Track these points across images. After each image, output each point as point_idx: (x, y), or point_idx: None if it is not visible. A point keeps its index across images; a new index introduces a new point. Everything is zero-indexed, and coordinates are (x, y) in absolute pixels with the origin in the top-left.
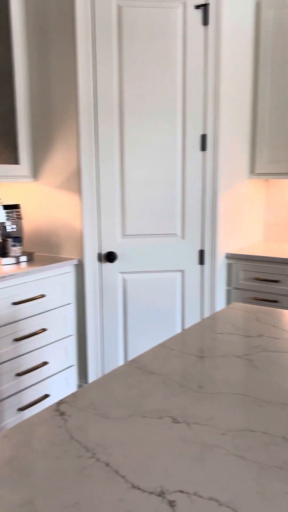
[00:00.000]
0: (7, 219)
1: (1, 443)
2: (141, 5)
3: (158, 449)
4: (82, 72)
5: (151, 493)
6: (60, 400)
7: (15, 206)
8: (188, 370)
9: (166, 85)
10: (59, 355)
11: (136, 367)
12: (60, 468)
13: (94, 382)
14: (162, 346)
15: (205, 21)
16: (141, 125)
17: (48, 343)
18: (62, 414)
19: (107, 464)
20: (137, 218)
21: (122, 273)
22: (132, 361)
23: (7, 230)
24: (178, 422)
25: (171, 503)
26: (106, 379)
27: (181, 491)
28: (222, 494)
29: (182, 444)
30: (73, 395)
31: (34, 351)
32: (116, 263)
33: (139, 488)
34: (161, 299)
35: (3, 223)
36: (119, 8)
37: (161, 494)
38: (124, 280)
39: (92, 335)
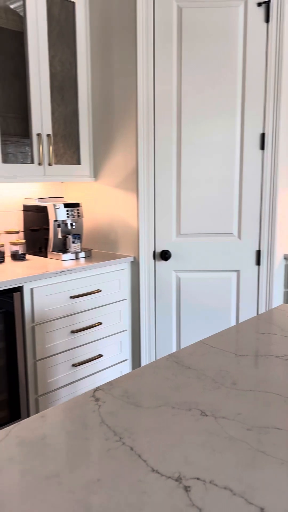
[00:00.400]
0: (68, 217)
1: (38, 422)
2: (202, 6)
3: (182, 438)
4: (141, 74)
5: (168, 477)
6: (97, 387)
7: (76, 205)
8: (224, 367)
9: (225, 84)
10: (113, 349)
11: (174, 361)
12: (88, 448)
13: (131, 372)
14: (202, 343)
15: (267, 18)
16: (198, 124)
17: (103, 336)
18: (97, 400)
19: (131, 448)
20: (193, 217)
21: (176, 271)
22: (170, 355)
23: (68, 228)
24: (206, 415)
25: (186, 488)
26: (143, 371)
27: (198, 478)
28: (237, 485)
29: (206, 436)
30: (109, 383)
31: (90, 344)
32: (170, 261)
33: (158, 472)
34: (215, 299)
35: (64, 220)
36: (179, 10)
37: (178, 479)
38: (178, 279)
39: (145, 331)
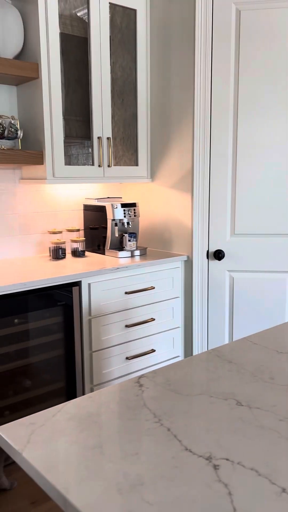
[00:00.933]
0: (125, 216)
1: (86, 401)
2: (259, 7)
3: (216, 424)
4: (199, 77)
5: (200, 456)
6: (142, 375)
7: (133, 205)
8: (264, 362)
9: (282, 85)
10: (166, 345)
11: (216, 355)
12: (129, 426)
13: (174, 363)
14: (245, 339)
15: None
16: (255, 125)
17: (156, 332)
18: (141, 385)
19: (168, 429)
20: (248, 217)
21: (230, 271)
22: (213, 349)
23: (125, 226)
24: (241, 405)
25: (215, 467)
26: (186, 362)
27: (227, 459)
28: (263, 468)
29: (239, 424)
30: (153, 371)
31: (143, 338)
32: (224, 261)
33: (190, 451)
34: (269, 300)
35: (121, 219)
36: (238, 12)
37: (208, 458)
38: (232, 278)
39: (198, 329)
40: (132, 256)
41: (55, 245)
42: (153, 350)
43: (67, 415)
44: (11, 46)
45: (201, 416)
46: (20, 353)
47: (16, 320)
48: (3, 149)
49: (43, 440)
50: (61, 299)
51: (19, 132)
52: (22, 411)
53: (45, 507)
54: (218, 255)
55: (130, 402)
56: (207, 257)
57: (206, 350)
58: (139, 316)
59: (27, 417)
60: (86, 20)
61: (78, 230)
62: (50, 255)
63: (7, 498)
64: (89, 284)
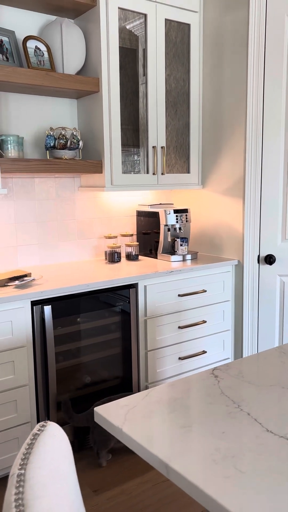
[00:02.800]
0: (177, 222)
1: (169, 388)
2: None
3: None
4: (252, 86)
5: (281, 437)
6: (215, 368)
7: (185, 211)
8: None
9: None
10: (216, 347)
11: (282, 352)
12: (212, 410)
13: (244, 358)
14: None
15: None
16: None
17: (207, 334)
18: (216, 376)
19: (248, 414)
20: None
21: (281, 275)
22: (278, 347)
23: (176, 231)
24: None
25: None
26: (255, 357)
27: None
28: None
29: None
30: (226, 365)
31: (195, 340)
32: (275, 265)
33: (271, 432)
34: None
35: (173, 225)
36: None
37: None
38: (283, 283)
39: (248, 333)
40: (184, 260)
41: (111, 249)
42: (204, 352)
43: (154, 398)
44: (74, 62)
45: (276, 404)
46: (81, 350)
47: (78, 319)
48: (65, 159)
49: (137, 419)
50: (119, 300)
51: (80, 142)
52: (82, 405)
53: (107, 495)
54: (269, 259)
55: (208, 390)
56: (258, 262)
57: (257, 353)
58: (191, 318)
59: (119, 399)
60: (143, 35)
61: (131, 235)
62: (106, 258)
63: None
64: (145, 286)
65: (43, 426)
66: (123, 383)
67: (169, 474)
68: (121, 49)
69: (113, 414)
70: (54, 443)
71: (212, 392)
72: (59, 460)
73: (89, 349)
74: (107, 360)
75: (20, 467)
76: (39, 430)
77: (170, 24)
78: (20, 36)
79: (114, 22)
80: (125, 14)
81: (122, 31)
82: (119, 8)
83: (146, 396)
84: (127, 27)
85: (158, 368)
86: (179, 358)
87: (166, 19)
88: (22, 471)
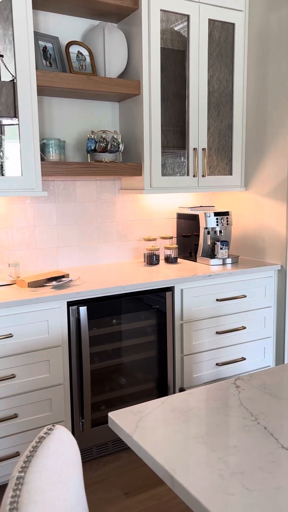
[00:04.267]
0: (217, 225)
1: (187, 396)
2: None
3: None
4: None
5: None
6: (238, 377)
7: (226, 213)
8: None
9: None
10: (256, 354)
11: None
12: (228, 421)
13: (269, 369)
14: None
15: None
16: None
17: (246, 340)
18: (237, 386)
19: (265, 428)
20: None
21: None
22: None
23: (217, 235)
24: None
25: None
26: (282, 368)
27: None
28: None
29: None
30: (249, 375)
31: (233, 346)
32: None
33: (287, 449)
34: None
35: (214, 228)
36: None
37: None
38: None
39: None
40: (224, 264)
41: (150, 251)
42: (243, 358)
43: (170, 406)
44: (116, 66)
45: None
46: (116, 352)
47: (114, 321)
48: (106, 162)
49: (149, 427)
50: (155, 303)
51: (120, 145)
52: (117, 406)
53: (137, 499)
54: None
55: (227, 401)
56: None
57: None
58: (230, 323)
59: (134, 406)
60: (184, 34)
61: (171, 238)
62: (144, 261)
63: (102, 486)
64: (181, 290)
65: (50, 429)
66: (159, 386)
67: (174, 486)
68: (167, 50)
69: (125, 420)
70: (58, 448)
71: (231, 403)
72: (62, 465)
73: (124, 351)
74: (142, 363)
75: (21, 469)
76: (45, 433)
77: (213, 24)
78: (64, 42)
79: (156, 25)
80: (168, 16)
81: (166, 32)
82: (161, 10)
83: (161, 403)
84: (176, 28)
85: (194, 373)
86: (217, 364)
87: (209, 19)
88: (22, 474)
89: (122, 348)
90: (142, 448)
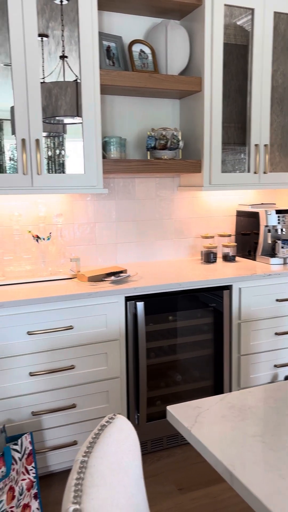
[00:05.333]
0: (279, 223)
1: (246, 395)
2: None
3: None
4: None
5: None
6: None
7: (287, 211)
8: None
9: None
10: None
11: None
12: (286, 421)
13: None
14: None
15: None
16: None
17: None
18: None
19: None
20: None
21: None
22: None
23: (278, 233)
24: None
25: None
26: None
27: None
28: None
29: None
30: None
31: None
32: None
33: None
34: None
35: (274, 226)
36: None
37: None
38: None
39: None
40: (285, 263)
41: (207, 249)
42: None
43: (228, 404)
44: (178, 63)
45: None
46: (172, 348)
47: (170, 317)
48: (165, 159)
49: (208, 422)
50: (212, 301)
51: (180, 142)
52: (172, 402)
53: (191, 496)
54: None
55: (286, 400)
56: None
57: None
58: None
59: (192, 401)
60: (247, 28)
61: (229, 236)
62: (201, 258)
63: (156, 480)
64: (239, 289)
65: (111, 418)
66: (215, 385)
67: (233, 483)
68: (229, 46)
69: (184, 414)
70: (119, 436)
71: None
72: (122, 453)
73: (180, 348)
74: (198, 361)
75: (84, 454)
76: (107, 421)
77: (279, 17)
78: (127, 41)
79: (219, 20)
80: (231, 10)
81: (229, 27)
82: (225, 5)
83: (220, 400)
84: (238, 23)
85: (251, 374)
86: (275, 366)
87: (275, 12)
88: (86, 458)
89: (178, 344)
90: (200, 443)
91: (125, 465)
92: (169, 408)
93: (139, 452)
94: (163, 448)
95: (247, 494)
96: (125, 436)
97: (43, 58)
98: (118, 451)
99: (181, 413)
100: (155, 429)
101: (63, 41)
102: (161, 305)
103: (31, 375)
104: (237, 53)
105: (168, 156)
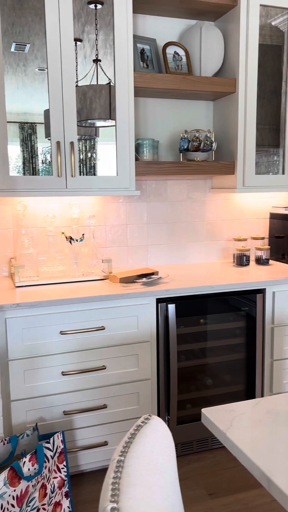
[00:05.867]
0: None
1: (283, 399)
2: None
3: None
4: None
5: None
6: None
7: None
8: None
9: None
10: None
11: None
12: None
13: None
14: None
15: None
16: None
17: None
18: None
19: None
20: None
21: None
22: None
23: None
24: None
25: None
26: None
27: None
28: None
29: None
30: None
31: None
32: None
33: None
34: None
35: None
36: None
37: None
38: None
39: None
40: None
41: (240, 252)
42: None
43: (264, 408)
44: (212, 64)
45: None
46: (203, 351)
47: (201, 320)
48: (198, 160)
49: (244, 426)
50: (244, 305)
51: (213, 144)
52: (202, 407)
53: (222, 501)
54: None
55: None
56: None
57: None
58: None
59: (227, 404)
60: (283, 29)
61: (262, 238)
62: (234, 261)
63: (186, 484)
64: (273, 293)
65: (147, 419)
66: (246, 390)
67: (271, 488)
68: (264, 46)
69: (219, 417)
70: (155, 437)
71: None
72: (158, 454)
73: (212, 351)
74: (229, 365)
75: (120, 453)
76: (142, 422)
77: None
78: (161, 43)
79: (255, 21)
80: (267, 10)
81: (264, 28)
82: (260, 5)
83: (256, 404)
84: (273, 23)
85: (284, 380)
86: None
87: None
88: (122, 458)
89: (209, 348)
90: (236, 447)
91: (161, 466)
92: (204, 410)
93: (174, 454)
94: (193, 452)
95: (285, 499)
96: (160, 437)
97: (77, 61)
98: (154, 452)
99: (217, 416)
100: (185, 432)
101: (97, 44)
102: (192, 307)
103: (63, 375)
104: (272, 53)
105: (201, 157)
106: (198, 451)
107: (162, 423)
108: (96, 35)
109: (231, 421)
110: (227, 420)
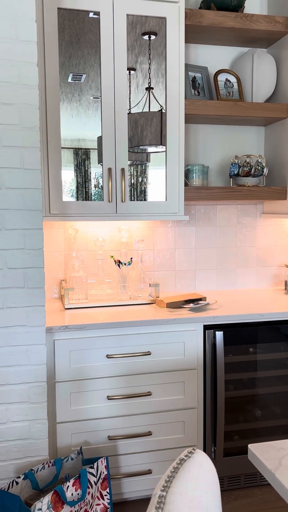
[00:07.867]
0: None
1: None
2: None
3: None
4: None
5: None
6: None
7: None
8: None
9: None
10: None
11: None
12: None
13: None
14: None
15: None
16: None
17: None
18: None
19: None
20: None
21: None
22: None
23: None
24: None
25: None
26: None
27: None
28: None
29: None
30: None
31: None
32: None
33: None
34: None
35: None
36: None
37: None
38: None
39: None
40: None
41: None
42: None
43: None
44: (264, 90)
45: None
46: (252, 381)
47: (251, 349)
48: (249, 186)
49: None
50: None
51: (264, 169)
52: (250, 439)
53: None
54: None
55: None
56: None
57: None
58: None
59: (276, 441)
60: None
61: None
62: (286, 288)
63: (231, 510)
64: None
65: (190, 452)
66: None
67: None
68: None
69: (267, 455)
70: (199, 473)
71: None
72: (202, 491)
73: (261, 382)
74: (280, 397)
75: (162, 488)
76: (186, 456)
77: None
78: (213, 70)
79: None
80: None
81: None
82: None
83: None
84: None
85: None
86: None
87: None
88: (164, 493)
89: (258, 378)
90: (286, 489)
91: (204, 505)
92: (251, 446)
93: (219, 492)
94: (240, 487)
95: None
96: (205, 473)
97: (130, 90)
98: (198, 489)
99: (264, 454)
100: (232, 465)
101: (149, 73)
102: (241, 335)
103: (109, 399)
104: None
105: (251, 183)
106: (246, 487)
107: (206, 458)
108: (149, 64)
109: (280, 460)
110: (276, 458)
